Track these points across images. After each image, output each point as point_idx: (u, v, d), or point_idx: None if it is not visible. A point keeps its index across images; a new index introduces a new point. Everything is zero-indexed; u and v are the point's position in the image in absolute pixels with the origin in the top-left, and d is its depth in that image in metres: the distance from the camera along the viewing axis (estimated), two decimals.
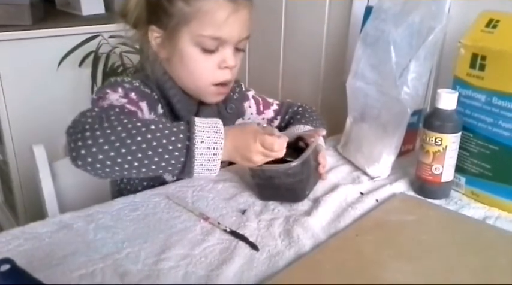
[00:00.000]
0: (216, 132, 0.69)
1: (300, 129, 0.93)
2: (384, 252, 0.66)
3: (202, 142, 0.68)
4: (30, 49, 1.85)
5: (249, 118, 1.01)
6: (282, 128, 1.00)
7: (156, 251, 0.65)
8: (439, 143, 0.78)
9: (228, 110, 0.94)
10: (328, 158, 0.88)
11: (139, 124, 0.67)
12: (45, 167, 0.91)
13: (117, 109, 0.73)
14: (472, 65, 0.78)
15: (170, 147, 0.67)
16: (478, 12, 0.80)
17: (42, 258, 0.62)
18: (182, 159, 0.68)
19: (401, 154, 0.93)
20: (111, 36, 1.91)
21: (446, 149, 0.78)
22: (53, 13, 2.21)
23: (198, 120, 0.69)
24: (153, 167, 0.67)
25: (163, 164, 0.67)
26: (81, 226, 0.71)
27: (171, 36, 0.82)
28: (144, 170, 0.68)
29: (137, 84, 0.83)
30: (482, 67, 0.77)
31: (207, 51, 0.81)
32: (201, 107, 0.89)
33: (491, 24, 0.77)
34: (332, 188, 0.83)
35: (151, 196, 0.80)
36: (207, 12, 0.79)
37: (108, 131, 0.65)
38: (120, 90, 0.80)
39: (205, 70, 0.83)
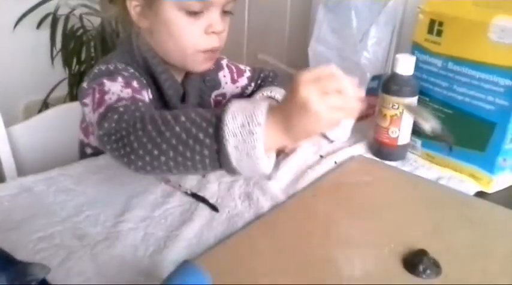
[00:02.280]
0: (254, 108, 0.53)
1: (272, 90, 0.91)
2: (339, 211, 0.68)
3: (234, 118, 0.53)
4: None
5: (223, 88, 0.98)
6: (253, 92, 0.99)
7: (116, 214, 0.65)
8: (396, 107, 0.80)
9: (206, 83, 0.91)
10: None
11: (168, 117, 0.57)
12: (1, 130, 0.89)
13: (140, 105, 0.65)
14: (430, 31, 0.80)
15: (201, 136, 0.54)
16: None
17: (0, 222, 0.62)
18: (215, 147, 0.54)
19: (362, 118, 0.94)
20: None
21: (403, 113, 0.80)
22: None
23: (232, 104, 0.55)
24: (189, 163, 0.56)
25: (198, 157, 0.55)
26: (41, 190, 0.70)
27: (151, 2, 0.75)
28: (182, 168, 0.57)
29: (132, 71, 0.76)
30: (439, 33, 0.78)
31: (192, 13, 0.73)
32: (185, 85, 0.85)
33: None
34: (292, 152, 0.84)
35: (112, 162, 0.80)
36: None
37: (145, 140, 0.57)
38: (120, 79, 0.71)
39: (191, 36, 0.75)
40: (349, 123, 0.90)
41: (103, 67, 0.74)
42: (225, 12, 0.78)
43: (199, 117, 0.56)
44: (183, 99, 0.84)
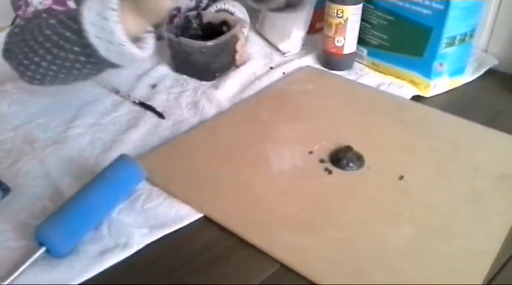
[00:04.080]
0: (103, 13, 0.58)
1: (226, 3, 0.91)
2: (278, 116, 0.72)
3: (89, 9, 0.58)
4: None
5: (176, 1, 0.98)
6: (208, 5, 0.99)
7: (66, 121, 0.69)
8: (341, 15, 0.82)
9: None
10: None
11: (43, 24, 0.61)
12: None
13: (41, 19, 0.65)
14: None
15: (68, 34, 0.59)
16: None
17: None
18: (81, 41, 0.59)
19: (315, 31, 0.96)
20: None
21: (347, 21, 0.82)
22: None
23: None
24: (67, 64, 0.61)
25: (72, 56, 0.60)
26: None
27: None
28: (65, 71, 0.62)
29: None
30: None
31: None
32: None
33: None
34: (243, 65, 0.87)
35: None
36: None
37: (32, 43, 0.61)
38: None
39: None
40: (299, 35, 0.91)
41: None
42: None
43: (66, 16, 0.59)
44: None
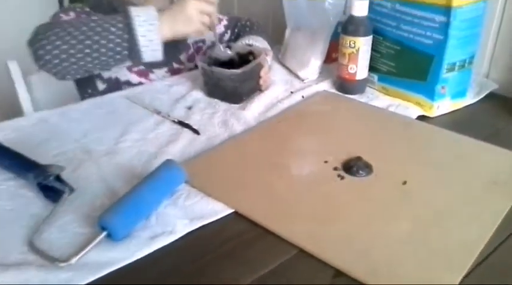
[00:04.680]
0: (148, 10, 0.86)
1: (250, 39, 1.06)
2: (297, 132, 0.83)
3: (138, 16, 0.84)
4: None
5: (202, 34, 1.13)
6: (232, 41, 1.13)
7: (116, 136, 0.81)
8: (353, 46, 0.93)
9: None
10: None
11: (85, 21, 0.83)
12: (20, 79, 1.04)
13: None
14: None
15: (113, 29, 0.82)
16: None
17: (24, 142, 0.78)
18: (126, 36, 0.83)
19: (331, 61, 1.08)
20: None
21: (359, 51, 0.93)
22: None
23: (132, 8, 0.85)
24: (103, 50, 0.82)
25: (111, 45, 0.82)
26: (55, 120, 0.86)
27: None
28: (96, 55, 0.82)
29: (88, 10, 0.97)
30: None
31: None
32: None
33: None
34: (266, 89, 0.98)
35: (115, 98, 0.95)
36: None
37: (58, 30, 0.81)
38: (71, 13, 0.94)
39: None
40: (316, 63, 1.03)
41: (65, 7, 1.00)
42: None
43: (109, 17, 0.84)
44: None
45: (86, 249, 0.56)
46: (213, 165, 0.74)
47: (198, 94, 0.96)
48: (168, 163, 0.66)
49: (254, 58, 0.96)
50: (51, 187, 0.65)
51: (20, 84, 1.04)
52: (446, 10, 0.83)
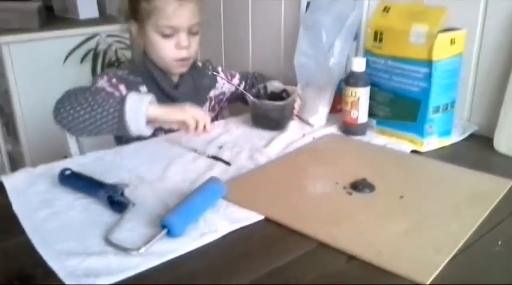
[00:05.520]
0: (143, 96, 1.01)
1: (271, 83, 1.29)
2: (311, 162, 1.01)
3: (129, 98, 1.00)
4: (38, 49, 2.16)
5: (222, 88, 1.35)
6: (249, 88, 1.35)
7: (162, 168, 0.98)
8: (354, 95, 1.13)
9: (203, 83, 1.30)
10: None
11: (97, 97, 1.01)
12: (74, 143, 1.24)
13: (91, 90, 1.09)
14: (375, 39, 1.13)
15: (111, 110, 0.99)
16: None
17: (87, 174, 0.95)
18: (116, 113, 0.98)
19: (336, 111, 1.27)
20: (108, 35, 2.24)
21: (359, 99, 1.13)
22: (54, 18, 2.52)
23: (130, 93, 1.02)
24: (99, 124, 0.99)
25: (110, 116, 0.98)
26: (110, 158, 1.04)
27: (142, 28, 1.17)
28: (98, 125, 0.99)
29: (120, 73, 1.18)
30: (380, 40, 1.12)
31: (165, 35, 1.15)
32: (179, 81, 1.24)
33: (386, 9, 1.12)
34: (284, 133, 1.17)
35: (157, 141, 1.14)
36: (160, 8, 1.12)
37: (73, 99, 1.02)
38: (105, 77, 1.16)
39: (166, 51, 1.16)
40: (324, 111, 1.22)
41: (105, 71, 1.22)
42: (192, 33, 1.18)
43: (112, 97, 1.03)
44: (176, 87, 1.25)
45: (152, 242, 0.72)
46: (244, 185, 0.90)
47: (227, 137, 1.15)
48: (212, 179, 0.83)
49: (287, 94, 1.19)
50: (116, 201, 0.82)
51: (74, 148, 1.23)
52: (429, 64, 1.03)
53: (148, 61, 1.21)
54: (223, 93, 1.36)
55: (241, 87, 1.35)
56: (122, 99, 0.99)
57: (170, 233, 0.74)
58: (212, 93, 1.33)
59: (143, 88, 1.20)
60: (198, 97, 1.28)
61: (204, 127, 1.02)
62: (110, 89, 1.13)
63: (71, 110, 1.00)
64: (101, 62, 2.22)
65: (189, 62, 1.22)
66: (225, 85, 1.35)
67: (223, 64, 1.91)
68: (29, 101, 2.17)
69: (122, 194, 0.84)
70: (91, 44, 2.22)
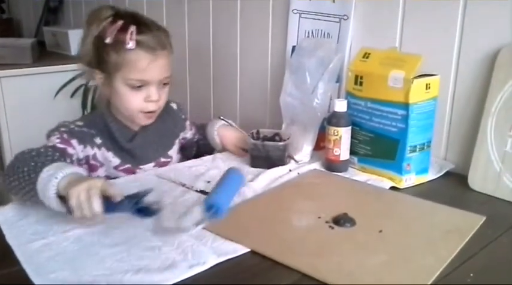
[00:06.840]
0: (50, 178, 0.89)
1: (219, 122, 1.37)
2: (296, 197, 1.05)
3: (47, 171, 0.91)
4: (30, 83, 2.22)
5: (187, 133, 1.39)
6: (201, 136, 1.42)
7: (156, 198, 1.02)
8: (337, 134, 1.19)
9: (174, 128, 1.34)
10: None
11: (32, 167, 0.93)
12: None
13: (40, 150, 1.03)
14: (355, 82, 1.20)
15: (33, 176, 0.91)
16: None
17: None
18: (33, 186, 0.90)
19: (320, 148, 1.32)
20: None
21: (341, 138, 1.19)
22: (46, 54, 2.58)
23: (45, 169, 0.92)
24: (34, 200, 0.91)
25: (32, 191, 0.90)
26: None
27: (109, 78, 1.13)
28: (34, 200, 0.92)
29: (72, 126, 1.14)
30: (361, 84, 1.19)
31: (134, 88, 1.12)
32: (140, 130, 1.23)
33: (366, 55, 1.20)
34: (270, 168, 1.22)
35: (146, 175, 1.18)
36: (132, 61, 1.09)
37: (13, 169, 0.96)
38: (57, 133, 1.11)
39: (134, 103, 1.14)
40: (308, 148, 1.28)
41: (59, 124, 1.16)
42: (163, 84, 1.16)
43: (36, 166, 0.93)
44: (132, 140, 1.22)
45: (203, 222, 0.90)
46: (231, 219, 0.94)
47: (214, 172, 1.19)
48: (233, 168, 1.04)
49: (280, 138, 1.27)
50: (142, 208, 0.89)
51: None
52: (406, 106, 1.10)
53: (109, 111, 1.19)
54: (185, 138, 1.41)
55: (196, 138, 1.43)
56: (35, 178, 0.91)
57: (217, 213, 0.88)
58: (181, 136, 1.37)
59: (97, 140, 1.18)
60: (162, 142, 1.29)
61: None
62: (61, 146, 1.09)
63: (13, 182, 0.95)
64: (91, 97, 2.27)
65: (155, 114, 1.20)
66: (190, 131, 1.41)
67: (211, 104, 1.98)
68: (18, 135, 2.20)
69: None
70: (82, 80, 2.28)
